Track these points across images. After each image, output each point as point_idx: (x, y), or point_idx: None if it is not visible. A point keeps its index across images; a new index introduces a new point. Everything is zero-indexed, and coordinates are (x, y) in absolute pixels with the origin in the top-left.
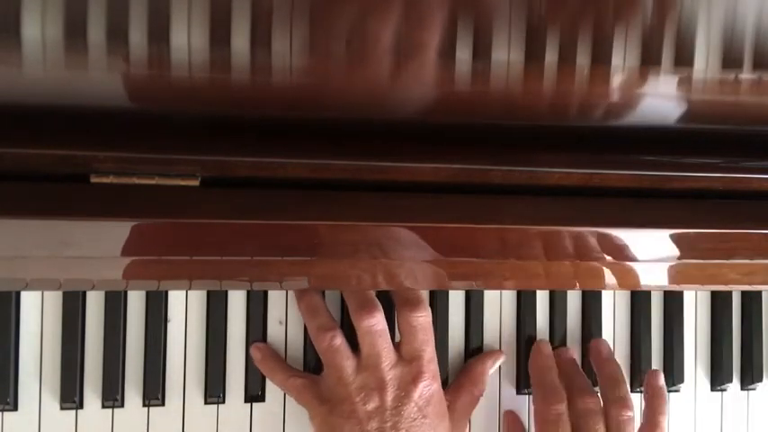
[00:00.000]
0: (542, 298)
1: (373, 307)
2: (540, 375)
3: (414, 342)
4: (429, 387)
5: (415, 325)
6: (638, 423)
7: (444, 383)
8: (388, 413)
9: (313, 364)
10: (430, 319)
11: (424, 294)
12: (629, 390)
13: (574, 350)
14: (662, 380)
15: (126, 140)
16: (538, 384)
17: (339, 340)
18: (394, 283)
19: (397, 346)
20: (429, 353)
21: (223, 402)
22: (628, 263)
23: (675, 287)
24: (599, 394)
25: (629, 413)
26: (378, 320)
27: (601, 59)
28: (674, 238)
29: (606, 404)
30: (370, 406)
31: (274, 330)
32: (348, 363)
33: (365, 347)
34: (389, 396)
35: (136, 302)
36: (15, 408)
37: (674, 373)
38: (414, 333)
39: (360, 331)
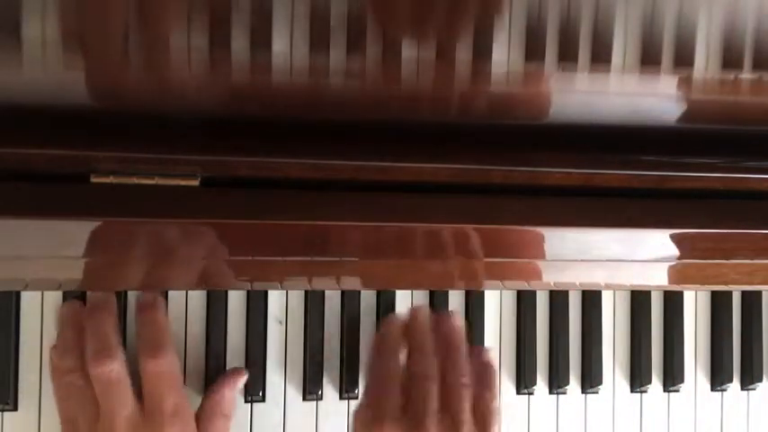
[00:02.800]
0: (542, 298)
1: (114, 352)
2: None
3: (153, 393)
4: None
5: (154, 372)
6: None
7: None
8: None
9: (314, 362)
10: (176, 366)
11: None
12: (466, 356)
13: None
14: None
15: (126, 140)
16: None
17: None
18: (393, 284)
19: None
20: (170, 405)
21: None
22: (628, 263)
23: (675, 287)
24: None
25: (466, 379)
26: (115, 367)
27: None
28: (674, 238)
29: (443, 368)
30: None
31: (274, 330)
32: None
33: (100, 399)
34: None
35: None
36: (15, 408)
37: (674, 373)
38: (152, 382)
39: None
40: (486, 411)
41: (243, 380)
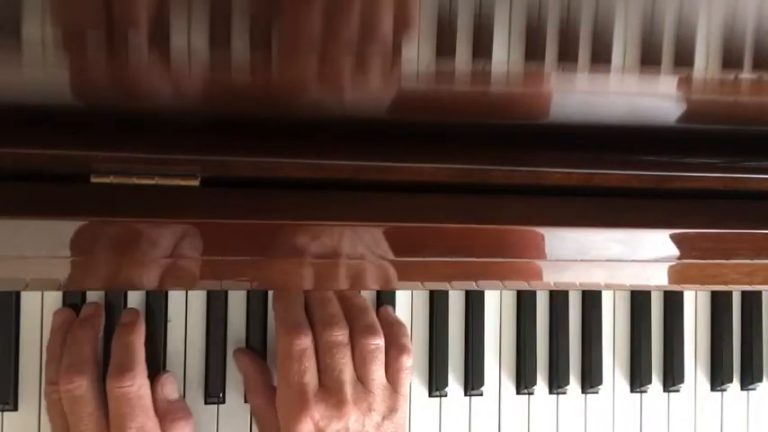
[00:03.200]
0: (542, 298)
1: (85, 368)
2: (283, 307)
3: (117, 414)
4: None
5: (118, 394)
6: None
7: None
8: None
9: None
10: (143, 389)
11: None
12: (375, 318)
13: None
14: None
15: (126, 140)
16: (280, 318)
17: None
18: (392, 284)
19: None
20: (134, 428)
21: (223, 402)
22: (627, 263)
23: (675, 287)
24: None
25: (377, 341)
26: (83, 383)
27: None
28: (674, 238)
29: (353, 334)
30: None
31: (274, 330)
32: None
33: (67, 414)
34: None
35: (136, 302)
36: (15, 408)
37: (674, 373)
38: (116, 403)
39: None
40: (398, 369)
41: (171, 378)
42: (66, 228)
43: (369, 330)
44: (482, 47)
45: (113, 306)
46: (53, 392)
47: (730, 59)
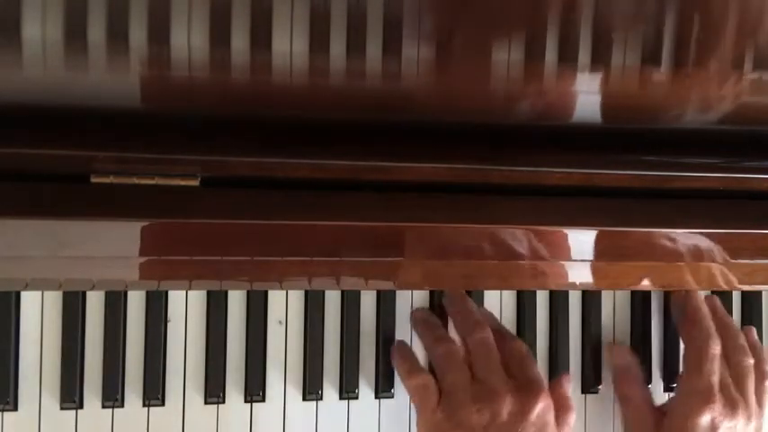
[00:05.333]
0: (542, 298)
1: (483, 322)
2: (695, 316)
3: (522, 366)
4: (546, 411)
5: (519, 350)
6: None
7: None
8: (506, 427)
9: (314, 362)
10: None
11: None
12: (755, 340)
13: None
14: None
15: (126, 140)
16: (693, 324)
17: (456, 347)
18: (393, 284)
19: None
20: (538, 375)
21: (223, 402)
22: (627, 263)
23: (675, 287)
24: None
25: (751, 360)
26: (489, 334)
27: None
28: (674, 238)
29: (726, 352)
30: (485, 418)
31: (274, 330)
32: (465, 371)
33: (477, 360)
34: (505, 410)
35: (136, 302)
36: (15, 408)
37: (673, 373)
38: (520, 358)
39: (472, 343)
40: (762, 393)
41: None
42: (67, 228)
43: (744, 351)
44: (481, 46)
45: (113, 306)
46: (450, 345)
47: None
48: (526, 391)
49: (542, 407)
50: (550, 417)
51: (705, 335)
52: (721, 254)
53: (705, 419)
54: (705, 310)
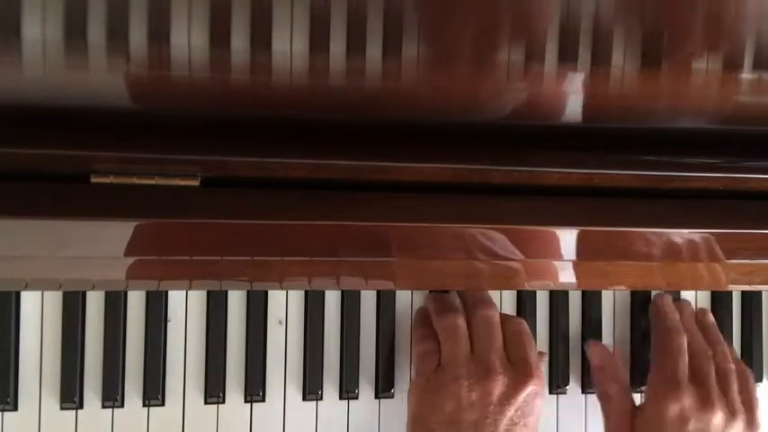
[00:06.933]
0: (542, 298)
1: (491, 301)
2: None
3: (520, 347)
4: (534, 395)
5: (519, 330)
6: None
7: None
8: (491, 408)
9: (314, 362)
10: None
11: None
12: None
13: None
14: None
15: (126, 140)
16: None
17: (461, 320)
18: (393, 284)
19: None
20: (534, 358)
21: (223, 402)
22: (627, 263)
23: (675, 287)
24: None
25: (732, 365)
26: (495, 313)
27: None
28: (674, 238)
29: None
30: (473, 395)
31: (274, 330)
32: (464, 345)
33: (478, 337)
34: (496, 391)
35: (136, 302)
36: (15, 408)
37: None
38: (519, 337)
39: (475, 320)
40: (749, 397)
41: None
42: (66, 228)
43: (723, 353)
44: (481, 46)
45: (113, 306)
46: (456, 318)
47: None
48: (519, 373)
49: (531, 391)
50: (538, 401)
51: (668, 327)
52: (721, 254)
53: (673, 410)
54: (669, 306)
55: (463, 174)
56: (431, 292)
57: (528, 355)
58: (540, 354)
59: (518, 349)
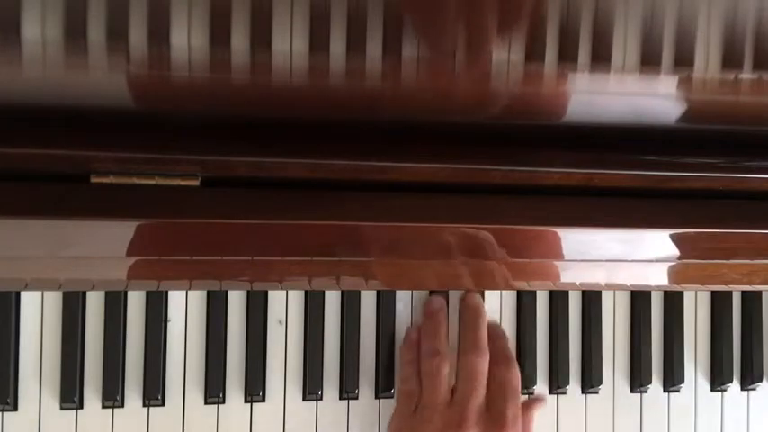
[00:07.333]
0: (542, 298)
1: (484, 348)
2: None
3: (501, 399)
4: None
5: (505, 381)
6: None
7: None
8: None
9: (314, 362)
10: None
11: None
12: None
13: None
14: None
15: (126, 140)
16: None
17: (445, 366)
18: (393, 284)
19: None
20: (513, 412)
21: (223, 402)
22: (627, 263)
23: (675, 287)
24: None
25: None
26: (484, 361)
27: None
28: (674, 238)
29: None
30: None
31: (274, 330)
32: (443, 392)
33: (461, 384)
34: None
35: (136, 302)
36: (15, 408)
37: (674, 373)
38: (503, 389)
39: (463, 365)
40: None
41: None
42: (66, 228)
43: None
44: (481, 46)
45: (113, 306)
46: (440, 363)
47: (730, 59)
48: (492, 426)
49: None
50: None
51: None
52: (721, 254)
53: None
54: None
55: (463, 174)
56: (431, 292)
57: (506, 408)
58: (535, 401)
59: (498, 401)
